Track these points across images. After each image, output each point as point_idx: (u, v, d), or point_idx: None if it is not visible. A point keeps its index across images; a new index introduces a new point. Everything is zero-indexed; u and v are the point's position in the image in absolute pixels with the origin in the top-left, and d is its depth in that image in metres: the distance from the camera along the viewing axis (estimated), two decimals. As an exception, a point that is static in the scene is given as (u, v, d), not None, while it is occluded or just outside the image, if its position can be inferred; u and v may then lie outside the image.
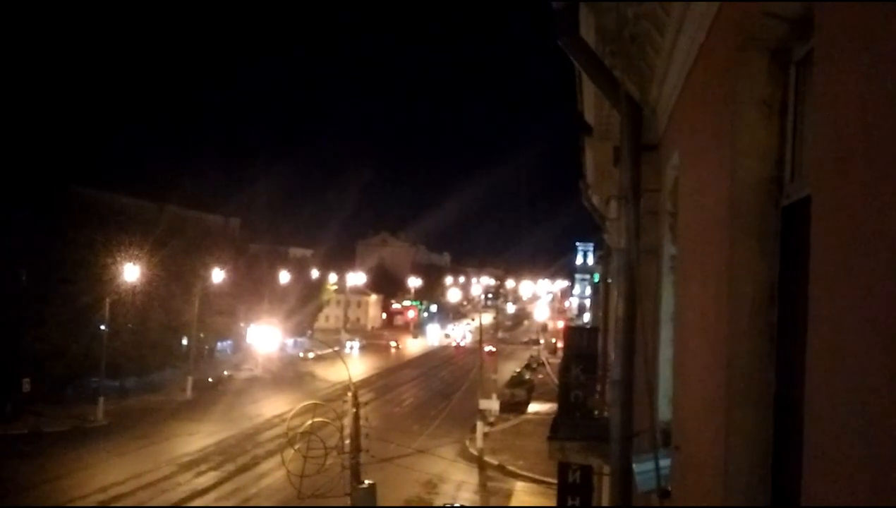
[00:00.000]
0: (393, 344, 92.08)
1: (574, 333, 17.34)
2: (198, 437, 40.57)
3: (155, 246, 48.71)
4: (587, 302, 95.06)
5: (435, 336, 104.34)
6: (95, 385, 44.92)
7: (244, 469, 35.28)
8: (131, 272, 46.75)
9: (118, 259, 46.06)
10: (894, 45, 1.51)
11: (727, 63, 2.98)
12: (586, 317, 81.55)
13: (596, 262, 45.94)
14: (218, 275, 57.83)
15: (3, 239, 46.43)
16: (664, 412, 5.22)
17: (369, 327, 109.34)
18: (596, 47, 6.00)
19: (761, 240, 2.67)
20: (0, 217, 47.19)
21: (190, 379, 52.16)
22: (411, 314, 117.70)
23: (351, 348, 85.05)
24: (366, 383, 56.18)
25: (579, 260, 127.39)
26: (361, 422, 15.81)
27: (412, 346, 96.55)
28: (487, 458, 37.35)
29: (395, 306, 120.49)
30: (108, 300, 44.20)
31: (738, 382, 2.71)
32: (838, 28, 1.88)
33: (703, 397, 3.39)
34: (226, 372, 59.24)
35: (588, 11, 5.80)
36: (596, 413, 14.09)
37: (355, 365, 56.68)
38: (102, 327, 44.60)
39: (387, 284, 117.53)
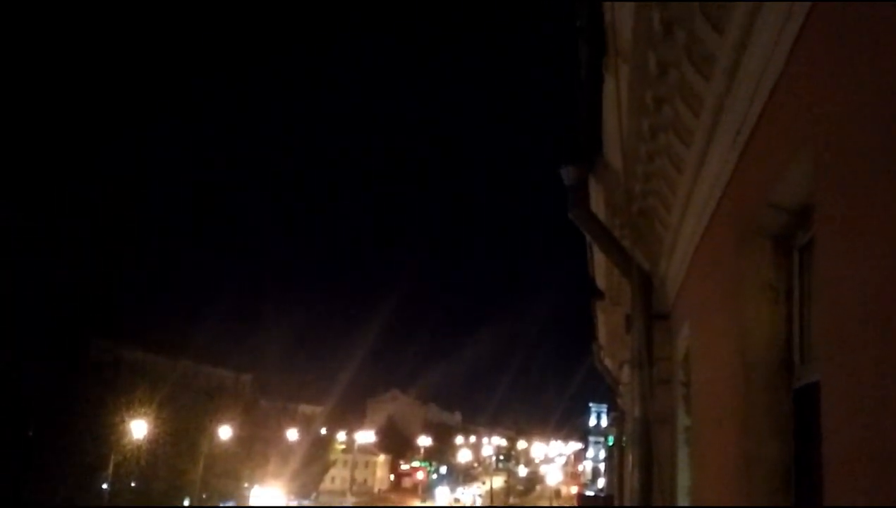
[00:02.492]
0: None
1: (588, 503, 16.73)
2: None
3: (165, 402, 48.22)
4: (601, 466, 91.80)
5: (444, 499, 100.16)
6: (95, 546, 43.09)
7: None
8: (139, 430, 46.04)
9: (127, 418, 45.53)
10: (890, 234, 1.62)
11: (732, 246, 3.12)
12: (601, 482, 78.44)
13: (610, 424, 44.87)
14: (225, 433, 56.71)
15: (15, 394, 46.29)
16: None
17: (376, 489, 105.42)
18: (605, 218, 6.26)
19: (774, 423, 2.69)
20: (19, 368, 47.35)
21: (189, 543, 49.89)
22: (420, 475, 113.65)
23: None
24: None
25: (593, 422, 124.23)
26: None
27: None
28: None
29: (404, 467, 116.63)
30: (113, 460, 43.28)
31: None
32: (837, 218, 2.01)
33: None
34: (226, 536, 56.72)
35: (598, 186, 6.10)
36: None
37: (361, 530, 54.23)
38: (105, 486, 43.35)
39: (396, 443, 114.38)
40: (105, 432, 44.14)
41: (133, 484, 47.10)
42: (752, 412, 2.74)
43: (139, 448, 46.20)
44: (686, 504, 5.10)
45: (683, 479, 5.33)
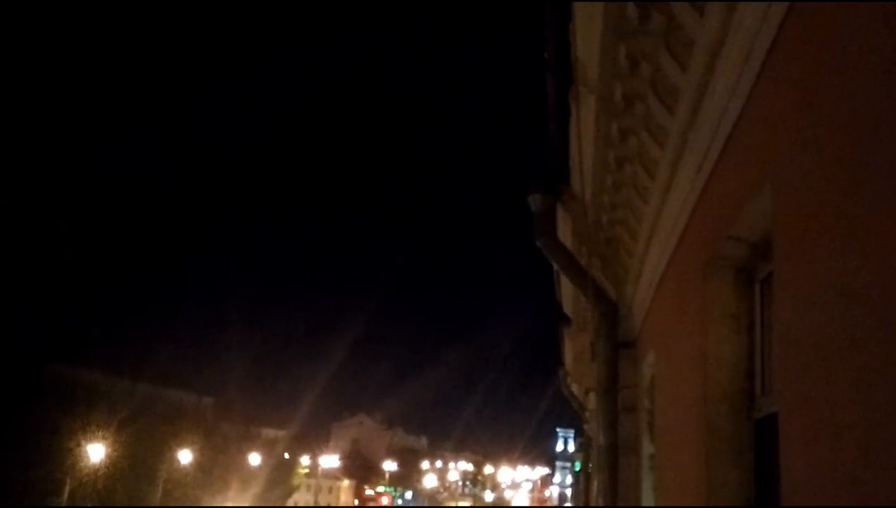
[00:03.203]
0: None
1: (555, 528, 16.65)
2: None
3: (123, 426, 47.18)
4: (568, 492, 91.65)
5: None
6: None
7: None
8: (96, 454, 44.95)
9: (83, 442, 44.45)
10: (845, 270, 1.67)
11: (695, 277, 3.19)
12: (567, 508, 78.20)
13: (576, 450, 44.93)
14: (185, 457, 55.63)
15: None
16: None
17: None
18: (572, 246, 6.32)
19: (735, 453, 2.73)
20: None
21: (147, 571, 48.67)
22: (385, 501, 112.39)
23: None
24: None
25: (559, 447, 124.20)
26: None
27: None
28: None
29: (369, 492, 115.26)
30: (68, 485, 42.18)
31: None
32: (795, 253, 2.06)
33: None
34: (184, 564, 55.38)
35: (565, 215, 6.17)
36: None
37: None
38: (60, 511, 42.21)
39: (361, 468, 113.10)
40: (60, 456, 43.02)
41: (89, 513, 45.90)
42: (714, 440, 2.78)
43: (96, 472, 45.10)
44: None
45: (647, 506, 5.37)
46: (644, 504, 5.39)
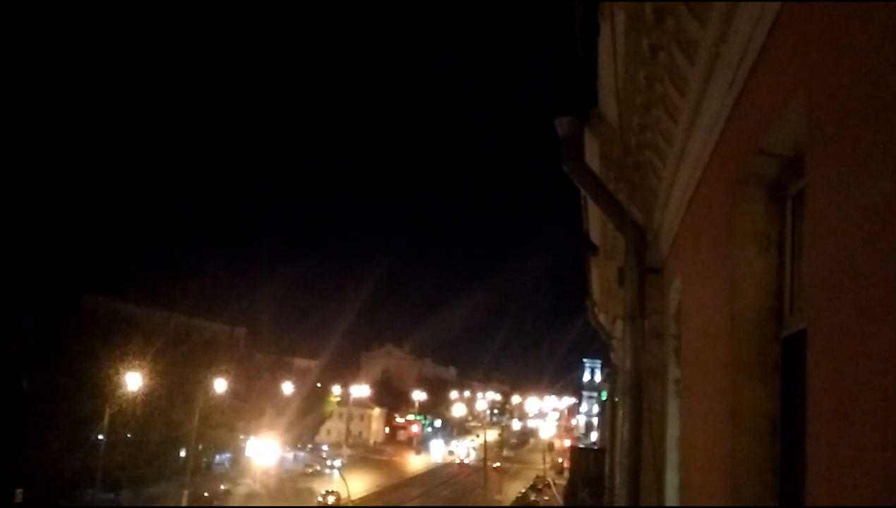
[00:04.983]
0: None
1: (581, 454, 16.97)
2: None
3: (159, 355, 48.52)
4: (594, 421, 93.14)
5: (438, 452, 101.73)
6: (89, 497, 43.74)
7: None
8: (134, 382, 46.37)
9: (121, 369, 45.79)
10: (881, 183, 1.60)
11: (725, 195, 3.10)
12: (594, 436, 79.68)
13: (603, 380, 45.41)
14: (220, 385, 57.23)
15: (8, 347, 46.54)
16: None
17: (371, 441, 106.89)
18: (600, 172, 6.21)
19: (762, 372, 2.70)
20: (8, 325, 47.57)
21: (186, 494, 50.67)
22: (415, 429, 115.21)
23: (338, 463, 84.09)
24: (364, 501, 54.44)
25: (586, 377, 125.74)
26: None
27: (415, 463, 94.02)
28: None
29: (399, 420, 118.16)
30: (108, 411, 43.67)
31: (742, 516, 2.67)
32: (828, 167, 1.98)
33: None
34: (223, 487, 57.61)
35: (592, 138, 6.04)
36: (603, 539, 13.59)
37: (354, 481, 55.06)
38: (101, 437, 43.86)
39: (391, 397, 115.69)
40: (100, 385, 44.47)
41: (129, 436, 47.64)
42: (741, 360, 2.75)
43: (134, 400, 46.63)
44: (675, 453, 5.16)
45: (673, 430, 5.40)
46: (670, 426, 5.41)
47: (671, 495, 5.30)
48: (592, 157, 6.17)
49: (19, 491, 41.79)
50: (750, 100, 2.83)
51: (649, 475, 5.51)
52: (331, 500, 50.62)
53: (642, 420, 5.79)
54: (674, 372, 5.49)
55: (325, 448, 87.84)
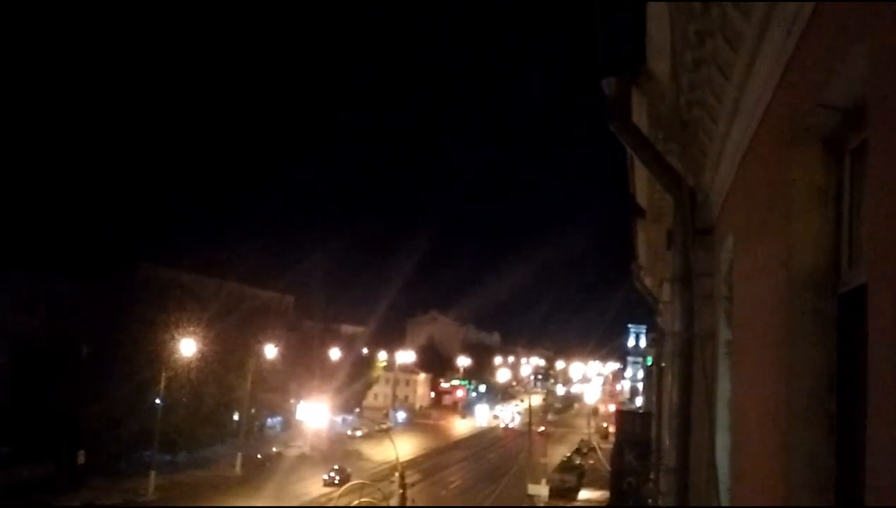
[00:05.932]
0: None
1: (627, 418, 16.96)
2: (244, 515, 40.37)
3: (212, 321, 49.70)
4: (640, 386, 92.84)
5: (483, 416, 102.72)
6: (148, 459, 45.36)
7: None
8: (188, 347, 47.62)
9: (176, 335, 47.03)
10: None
11: (781, 151, 3.04)
12: (638, 401, 79.49)
13: (648, 345, 45.15)
14: (271, 351, 58.46)
15: (67, 313, 48.15)
16: (723, 501, 5.06)
17: (417, 406, 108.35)
18: (648, 132, 6.11)
19: (818, 328, 2.66)
20: (67, 292, 49.17)
21: (240, 456, 52.22)
22: (460, 393, 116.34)
23: (398, 419, 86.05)
24: (412, 463, 55.33)
25: (631, 343, 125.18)
26: (408, 504, 15.56)
27: (460, 427, 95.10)
28: (537, 546, 36.16)
29: (444, 385, 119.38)
30: (164, 375, 44.99)
31: (798, 472, 2.66)
32: (892, 118, 1.93)
33: (763, 487, 3.31)
34: (275, 449, 59.15)
35: (640, 98, 5.95)
36: (650, 501, 13.62)
37: (402, 444, 56.02)
38: (158, 401, 45.26)
39: (436, 363, 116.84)
40: (156, 350, 45.79)
41: (184, 400, 49.10)
42: (797, 316, 2.71)
43: (189, 365, 47.95)
44: (726, 414, 5.13)
45: (724, 392, 5.36)
46: (720, 388, 5.37)
47: (722, 456, 5.28)
48: (640, 118, 6.08)
49: (81, 453, 43.55)
50: (807, 50, 2.75)
51: (699, 436, 5.50)
52: (337, 479, 47.11)
53: (691, 382, 5.76)
54: (725, 333, 5.43)
55: (400, 412, 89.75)
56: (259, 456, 55.27)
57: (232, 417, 57.59)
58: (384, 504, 15.51)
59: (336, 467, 49.86)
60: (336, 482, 45.58)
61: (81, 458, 43.56)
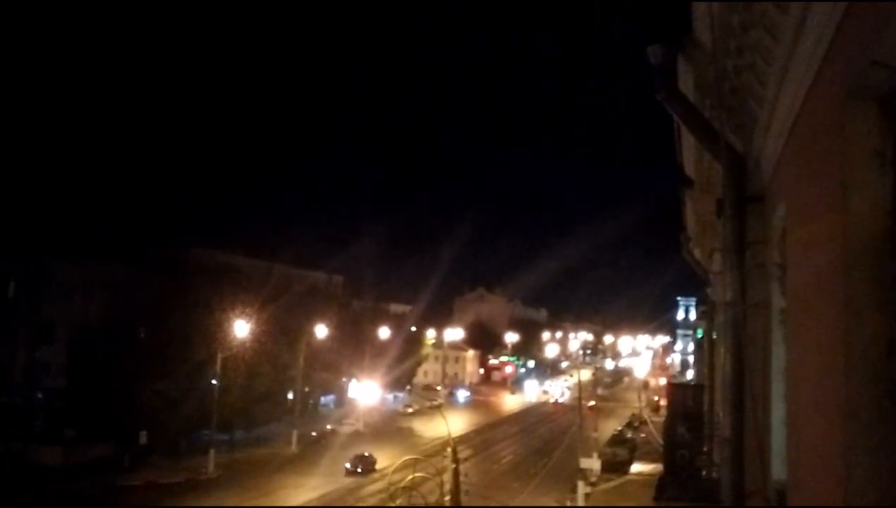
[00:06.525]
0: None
1: (678, 390, 16.77)
2: (303, 491, 41.26)
3: (264, 303, 50.63)
4: (690, 359, 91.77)
5: (532, 392, 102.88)
6: (207, 438, 46.64)
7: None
8: (242, 329, 48.59)
9: (231, 317, 48.02)
10: None
11: (835, 113, 2.96)
12: (689, 374, 78.60)
13: (698, 317, 44.48)
14: (322, 331, 59.32)
15: (124, 298, 49.59)
16: (778, 471, 5.01)
17: (467, 382, 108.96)
18: (695, 99, 6.00)
19: (877, 294, 2.60)
20: (124, 278, 50.61)
21: (295, 433, 53.30)
22: (509, 370, 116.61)
23: (459, 399, 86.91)
24: (464, 439, 55.79)
25: (681, 316, 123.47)
26: (461, 478, 15.72)
27: (510, 402, 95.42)
28: (590, 519, 36.19)
29: (493, 362, 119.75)
30: (220, 356, 46.03)
31: (857, 439, 2.62)
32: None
33: (821, 455, 3.27)
34: (329, 427, 60.21)
35: (686, 65, 5.84)
36: (704, 473, 13.51)
37: (453, 420, 56.51)
38: (214, 382, 46.37)
39: (484, 340, 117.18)
40: (211, 331, 46.85)
41: (239, 380, 50.21)
42: (855, 283, 2.65)
43: (243, 345, 48.98)
44: (781, 384, 5.06)
45: (778, 361, 5.28)
46: (775, 358, 5.30)
47: (777, 427, 5.22)
48: (687, 85, 5.98)
49: (143, 434, 45.03)
50: (861, 8, 2.67)
51: (753, 408, 5.44)
52: (359, 468, 44.80)
53: (744, 351, 5.68)
54: (778, 301, 5.33)
55: (462, 391, 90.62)
56: (314, 434, 56.34)
57: (286, 396, 58.76)
58: (437, 477, 15.70)
59: (365, 454, 47.32)
60: (358, 470, 44.36)
61: (143, 438, 45.03)
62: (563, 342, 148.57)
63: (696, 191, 9.83)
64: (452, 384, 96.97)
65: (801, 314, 4.10)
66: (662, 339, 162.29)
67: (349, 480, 43.94)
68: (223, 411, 47.36)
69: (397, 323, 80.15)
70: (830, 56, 3.16)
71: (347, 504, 38.84)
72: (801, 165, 4.03)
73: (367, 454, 46.99)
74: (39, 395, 49.60)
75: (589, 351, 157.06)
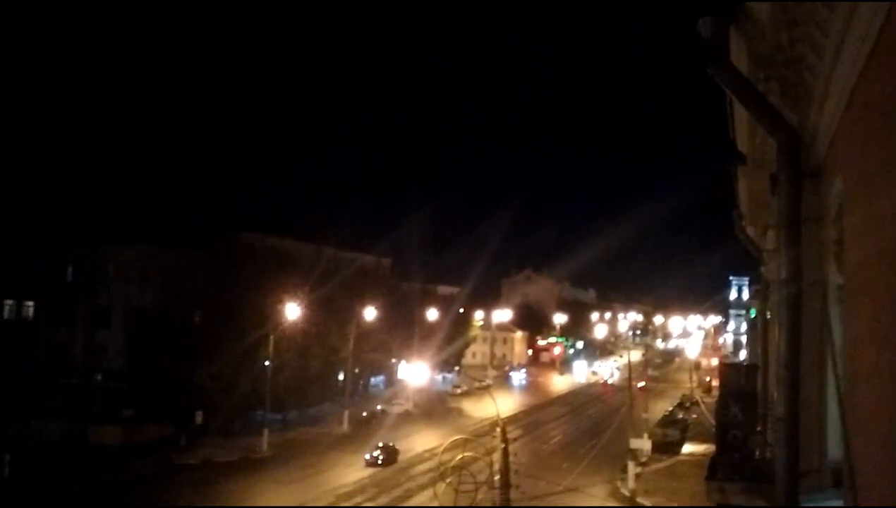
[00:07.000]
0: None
1: (731, 370, 16.48)
2: (354, 469, 41.93)
3: (314, 286, 51.34)
4: (742, 339, 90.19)
5: (582, 373, 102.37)
6: (261, 418, 47.74)
7: (398, 501, 36.04)
8: (293, 311, 49.36)
9: (282, 299, 48.80)
10: None
11: (895, 84, 2.88)
12: (742, 355, 77.27)
13: (752, 297, 43.64)
14: (371, 313, 59.91)
15: (178, 283, 50.82)
16: (833, 450, 4.93)
17: (515, 363, 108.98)
18: (748, 73, 5.86)
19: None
20: (177, 262, 51.85)
21: (346, 413, 54.14)
22: (557, 350, 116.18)
23: (515, 383, 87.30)
24: (513, 419, 55.93)
25: (733, 295, 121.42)
26: (510, 458, 15.77)
27: (559, 383, 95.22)
28: (640, 499, 36.02)
29: (541, 343, 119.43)
30: (272, 338, 46.88)
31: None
32: None
33: (879, 433, 3.21)
34: (379, 407, 60.94)
35: (739, 38, 5.70)
36: (757, 453, 13.32)
37: (502, 401, 56.66)
38: (267, 363, 47.28)
39: (532, 321, 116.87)
40: (263, 314, 47.72)
41: (291, 362, 51.09)
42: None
43: (295, 327, 49.79)
44: (840, 362, 4.96)
45: (836, 338, 5.17)
46: (830, 337, 5.19)
47: (833, 407, 5.13)
48: (739, 59, 5.84)
49: (199, 413, 46.27)
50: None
51: (808, 386, 5.35)
52: (381, 459, 43.07)
53: (800, 330, 5.57)
54: (835, 278, 5.22)
55: (518, 374, 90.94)
56: (364, 414, 57.11)
57: (337, 377, 59.62)
58: (487, 457, 15.78)
59: (381, 445, 44.89)
60: (379, 462, 42.96)
61: (199, 418, 46.27)
62: (613, 322, 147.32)
63: (750, 167, 9.63)
64: (508, 366, 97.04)
65: (860, 291, 4.01)
66: (714, 320, 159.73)
67: (399, 459, 44.45)
68: (276, 391, 48.31)
69: (445, 304, 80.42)
70: (889, 24, 3.07)
71: (398, 484, 39.33)
72: (859, 138, 3.93)
73: (390, 444, 45.55)
74: (98, 377, 51.22)
75: (639, 332, 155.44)
